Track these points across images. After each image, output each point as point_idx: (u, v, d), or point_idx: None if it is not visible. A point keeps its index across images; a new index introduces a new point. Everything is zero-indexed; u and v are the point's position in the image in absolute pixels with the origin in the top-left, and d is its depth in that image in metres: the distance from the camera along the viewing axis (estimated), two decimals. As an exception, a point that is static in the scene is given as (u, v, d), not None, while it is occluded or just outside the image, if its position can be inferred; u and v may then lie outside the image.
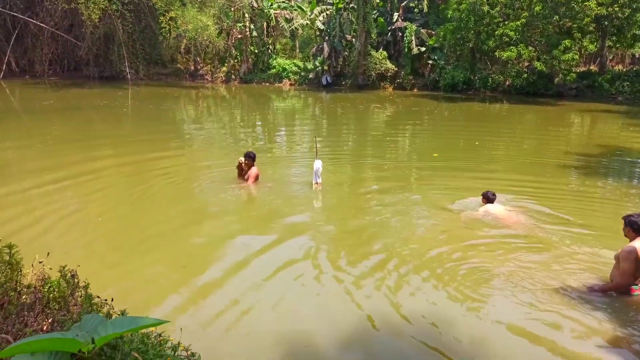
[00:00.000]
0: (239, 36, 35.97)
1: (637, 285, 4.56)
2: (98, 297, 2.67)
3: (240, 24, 35.47)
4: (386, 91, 32.56)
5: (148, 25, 34.99)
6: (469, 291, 4.73)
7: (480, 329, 4.15)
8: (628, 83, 27.25)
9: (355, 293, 4.70)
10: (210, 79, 37.47)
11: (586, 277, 5.07)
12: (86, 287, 2.72)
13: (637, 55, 37.73)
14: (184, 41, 36.96)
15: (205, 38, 34.41)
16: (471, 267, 5.28)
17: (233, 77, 36.92)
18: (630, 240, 4.58)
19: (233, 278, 4.96)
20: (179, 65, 38.43)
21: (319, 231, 6.39)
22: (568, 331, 4.11)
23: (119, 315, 2.59)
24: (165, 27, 35.38)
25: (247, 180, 8.39)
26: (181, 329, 2.92)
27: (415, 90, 32.68)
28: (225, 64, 37.36)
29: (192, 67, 38.47)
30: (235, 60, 37.23)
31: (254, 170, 8.40)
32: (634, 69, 29.38)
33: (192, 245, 5.90)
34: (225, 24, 35.85)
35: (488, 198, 7.12)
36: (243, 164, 8.51)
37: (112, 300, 2.72)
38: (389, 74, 33.24)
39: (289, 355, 3.74)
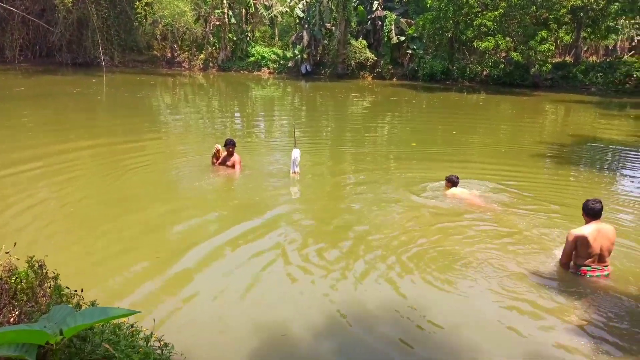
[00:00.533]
0: (217, 23, 35.39)
1: (589, 267, 4.80)
2: (68, 288, 2.61)
3: (219, 11, 34.86)
4: (365, 80, 32.56)
5: (123, 11, 34.13)
6: (434, 277, 4.81)
7: (448, 315, 4.21)
8: (601, 74, 27.82)
9: (329, 281, 4.72)
10: (187, 67, 36.86)
11: (550, 260, 5.24)
12: (55, 277, 2.66)
13: (610, 47, 38.52)
14: (160, 27, 36.24)
15: (183, 24, 33.84)
16: (438, 253, 5.37)
17: (211, 64, 36.39)
18: (585, 224, 4.83)
19: (208, 267, 4.93)
20: (155, 52, 37.66)
21: (294, 220, 6.39)
22: (532, 315, 4.22)
23: (89, 306, 2.55)
24: (141, 13, 34.50)
25: (232, 167, 8.43)
26: (154, 319, 2.89)
27: (394, 79, 32.75)
28: (203, 51, 36.77)
29: (169, 54, 37.76)
30: (213, 48, 36.67)
31: (237, 157, 8.46)
32: (607, 60, 29.98)
33: (167, 234, 5.83)
34: (203, 10, 35.18)
35: (452, 181, 7.35)
36: (220, 152, 8.50)
37: (82, 291, 2.67)
38: (369, 63, 33.23)
39: (266, 343, 3.74)
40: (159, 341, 2.52)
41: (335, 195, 7.66)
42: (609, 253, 4.83)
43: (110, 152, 10.11)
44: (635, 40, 40.17)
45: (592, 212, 4.76)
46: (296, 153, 8.05)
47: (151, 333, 2.48)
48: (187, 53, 37.48)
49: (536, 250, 5.51)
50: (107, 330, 2.43)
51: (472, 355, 3.68)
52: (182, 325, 3.90)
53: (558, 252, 5.17)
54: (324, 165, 9.75)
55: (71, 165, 8.79)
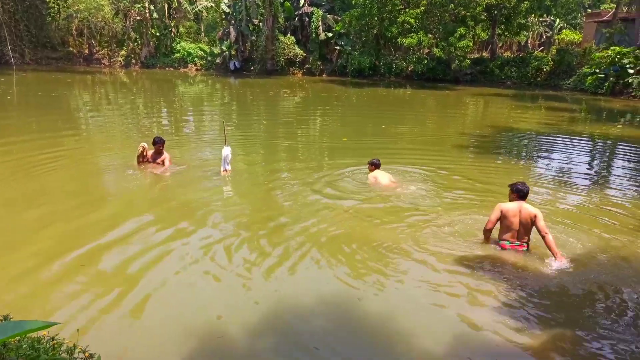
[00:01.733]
0: (138, 18, 33.91)
1: (508, 241, 5.24)
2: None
3: (139, 5, 33.40)
4: (295, 76, 32.62)
5: (33, 4, 31.76)
6: (365, 266, 4.91)
7: (381, 304, 4.32)
8: (515, 68, 29.79)
9: (262, 278, 4.66)
10: (107, 64, 35.05)
11: (472, 239, 5.57)
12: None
13: (522, 43, 41.28)
14: (76, 22, 34.13)
15: (100, 19, 32.13)
16: (367, 241, 5.48)
17: (133, 61, 34.85)
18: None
19: (137, 273, 4.69)
20: (71, 48, 35.44)
21: (224, 219, 6.22)
22: (462, 295, 4.43)
23: (1, 320, 2.34)
24: (54, 7, 32.34)
25: (162, 164, 8.22)
26: (77, 330, 2.70)
27: (324, 75, 33.10)
28: (124, 48, 35.12)
29: (87, 51, 35.69)
30: (135, 44, 35.12)
31: (167, 155, 8.30)
32: (520, 55, 32.13)
33: (91, 240, 5.48)
34: (121, 4, 33.53)
35: (374, 164, 7.79)
36: (146, 151, 8.18)
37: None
38: (298, 59, 33.32)
39: (202, 347, 3.63)
40: (84, 352, 2.37)
41: (267, 193, 7.56)
42: (528, 232, 5.20)
43: (25, 154, 9.33)
44: (544, 37, 43.37)
45: (518, 192, 5.23)
46: (227, 151, 7.88)
47: (74, 345, 2.32)
48: (106, 49, 35.63)
49: (458, 231, 5.79)
50: (25, 346, 2.25)
51: (407, 341, 3.80)
52: (109, 334, 3.69)
53: (479, 232, 5.54)
54: (256, 161, 9.64)
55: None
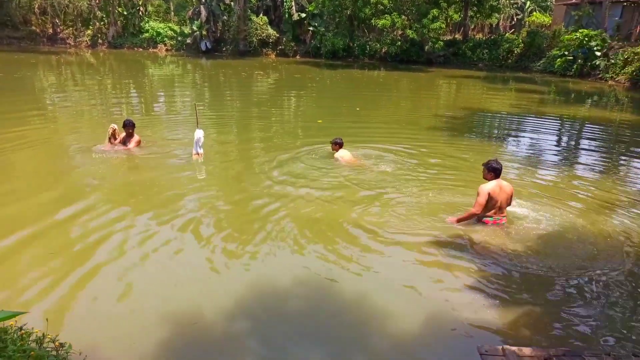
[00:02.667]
0: (104, -4, 32.70)
1: (491, 217, 5.44)
2: None
3: (105, -18, 32.20)
4: (269, 58, 32.16)
5: (-10, -20, 30.23)
6: (341, 246, 4.94)
7: (357, 284, 4.36)
8: (487, 51, 30.08)
9: (236, 261, 4.63)
10: (73, 44, 33.80)
11: (446, 216, 5.70)
12: None
13: (494, 25, 41.66)
14: (39, 0, 32.65)
15: (64, -3, 30.79)
16: (338, 221, 5.53)
17: (100, 41, 33.71)
18: (488, 181, 5.45)
19: (106, 258, 4.59)
20: (33, 27, 33.94)
21: (197, 203, 6.11)
22: (439, 272, 4.51)
23: (-36, 312, 2.24)
24: (13, -17, 30.82)
25: (133, 147, 8.15)
26: (47, 319, 2.62)
27: (297, 57, 32.73)
28: (90, 27, 33.88)
29: (50, 30, 34.27)
30: (102, 23, 33.91)
31: (137, 137, 8.27)
32: (492, 37, 32.44)
33: (61, 228, 5.32)
34: (86, -19, 32.26)
35: (338, 144, 7.99)
36: (117, 133, 8.08)
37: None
38: (271, 40, 32.82)
39: (176, 334, 3.59)
40: (54, 342, 2.31)
41: (238, 176, 7.43)
42: (507, 205, 5.50)
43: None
44: (515, 19, 43.83)
45: (494, 171, 5.40)
46: (199, 133, 7.73)
47: (43, 334, 2.25)
48: (71, 29, 34.29)
49: (433, 209, 5.86)
50: (-10, 337, 2.17)
51: (382, 321, 3.84)
52: (80, 323, 3.61)
53: (455, 210, 5.69)
54: (228, 144, 9.49)
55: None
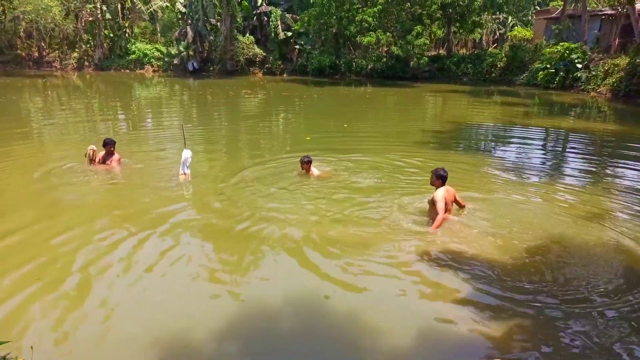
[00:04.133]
0: (90, 18, 32.83)
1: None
2: None
3: (91, 5, 32.33)
4: (256, 76, 32.36)
5: (-26, 5, 30.20)
6: (333, 264, 4.93)
7: (350, 300, 4.34)
8: (471, 65, 30.56)
9: (226, 282, 4.58)
10: (59, 66, 33.75)
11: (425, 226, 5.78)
12: None
13: (477, 40, 42.46)
14: (23, 24, 32.66)
15: (49, 20, 30.85)
16: (326, 239, 5.51)
17: (86, 63, 33.71)
18: (437, 188, 5.94)
19: (93, 284, 4.51)
20: (19, 51, 33.88)
21: (184, 225, 6.02)
22: (424, 286, 4.51)
23: (-56, 342, 2.19)
24: (-2, 8, 30.82)
25: (113, 165, 8.16)
26: (32, 347, 2.56)
27: (285, 75, 32.98)
28: (77, 50, 33.89)
29: (36, 54, 34.24)
30: (88, 46, 33.96)
31: (117, 156, 8.29)
32: (475, 52, 33.00)
33: (43, 251, 5.22)
34: (72, 4, 32.34)
35: (308, 162, 7.92)
36: (96, 153, 8.18)
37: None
38: (258, 59, 33.07)
39: (167, 357, 3.53)
40: (38, 370, 2.25)
41: (226, 197, 7.26)
42: (452, 206, 6.10)
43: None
44: (497, 34, 44.73)
45: (442, 178, 5.95)
46: (187, 154, 7.68)
47: (27, 362, 2.20)
48: (57, 52, 34.27)
49: (416, 220, 5.92)
50: (-29, 367, 2.11)
51: (374, 337, 3.82)
52: (67, 351, 3.53)
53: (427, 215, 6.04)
54: (216, 164, 9.45)
55: None
